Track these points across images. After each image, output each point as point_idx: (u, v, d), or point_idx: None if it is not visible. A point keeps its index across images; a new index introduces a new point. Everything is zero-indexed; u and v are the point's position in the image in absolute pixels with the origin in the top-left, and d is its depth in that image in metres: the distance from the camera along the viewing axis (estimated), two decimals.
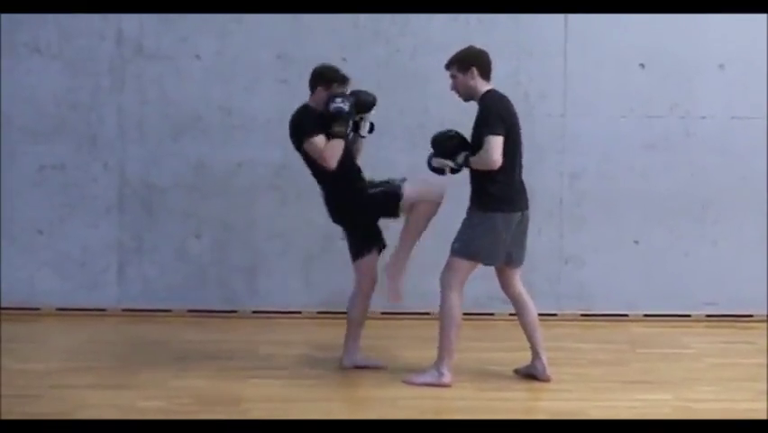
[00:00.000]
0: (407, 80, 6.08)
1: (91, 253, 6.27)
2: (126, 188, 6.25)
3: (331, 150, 4.77)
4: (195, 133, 6.22)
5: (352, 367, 5.04)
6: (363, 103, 4.91)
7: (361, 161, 5.09)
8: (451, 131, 4.87)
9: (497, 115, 4.66)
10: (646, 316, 6.28)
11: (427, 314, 5.77)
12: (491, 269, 4.89)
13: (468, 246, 4.72)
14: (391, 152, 6.14)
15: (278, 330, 5.55)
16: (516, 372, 4.97)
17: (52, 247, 6.26)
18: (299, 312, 6.19)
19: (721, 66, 6.22)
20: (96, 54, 6.19)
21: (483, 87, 4.75)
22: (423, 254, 6.01)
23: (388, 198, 4.89)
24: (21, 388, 4.59)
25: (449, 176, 4.89)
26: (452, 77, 4.79)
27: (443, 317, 4.75)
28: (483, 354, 5.33)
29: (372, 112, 4.99)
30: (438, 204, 4.88)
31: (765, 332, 5.90)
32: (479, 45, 4.90)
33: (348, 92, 4.90)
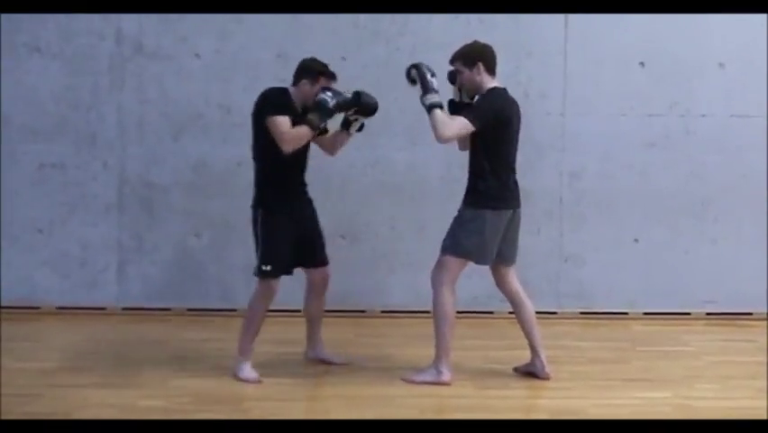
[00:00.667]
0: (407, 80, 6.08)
1: (91, 252, 6.27)
2: (126, 187, 6.26)
3: (295, 134, 4.64)
4: (195, 132, 6.22)
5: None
6: (367, 107, 4.82)
7: (340, 153, 5.04)
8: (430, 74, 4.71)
9: (490, 109, 4.62)
10: (646, 314, 6.29)
11: (425, 312, 5.77)
12: (488, 267, 4.89)
13: (458, 244, 4.71)
14: (390, 151, 6.15)
15: (275, 329, 5.51)
16: (516, 370, 4.97)
17: (52, 246, 6.26)
18: (299, 311, 6.18)
19: (721, 65, 6.23)
20: (96, 53, 6.18)
21: (489, 82, 4.73)
22: (420, 253, 6.03)
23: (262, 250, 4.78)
24: (20, 387, 4.59)
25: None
26: (458, 72, 4.76)
27: (436, 315, 4.75)
28: (483, 352, 5.34)
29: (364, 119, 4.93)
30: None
31: (765, 330, 5.91)
32: None
33: (334, 89, 4.80)
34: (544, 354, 4.86)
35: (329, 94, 4.71)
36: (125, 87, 6.20)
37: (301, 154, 4.81)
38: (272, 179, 4.80)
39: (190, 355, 5.25)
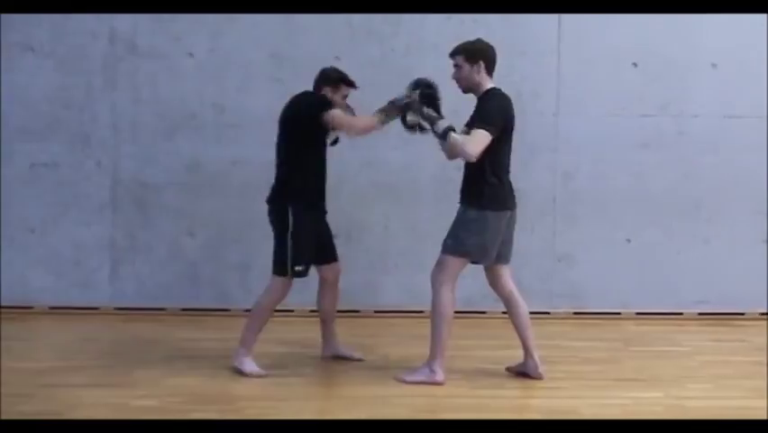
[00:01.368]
0: (401, 79, 6.04)
1: (84, 252, 6.26)
2: (119, 186, 6.25)
3: (363, 123, 4.72)
4: (188, 132, 6.22)
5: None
6: (425, 113, 4.71)
7: (332, 168, 5.00)
8: (434, 89, 4.72)
9: (498, 113, 4.62)
10: (639, 314, 6.31)
11: (419, 312, 5.79)
12: (482, 267, 4.89)
13: (460, 244, 4.71)
14: (384, 151, 6.15)
15: (271, 329, 5.50)
16: (509, 370, 4.97)
17: (45, 245, 6.25)
18: (292, 310, 6.18)
19: (714, 65, 6.25)
20: (89, 53, 6.18)
21: (487, 83, 4.73)
22: (414, 253, 6.04)
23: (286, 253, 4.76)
24: (13, 387, 4.57)
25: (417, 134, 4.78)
26: (457, 66, 4.73)
27: (434, 314, 4.75)
28: (476, 352, 5.34)
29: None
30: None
31: (757, 330, 5.93)
32: None
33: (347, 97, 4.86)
34: (537, 355, 4.87)
35: (405, 94, 4.71)
36: (119, 86, 6.20)
37: (324, 154, 4.87)
38: (304, 177, 4.81)
39: (183, 355, 5.24)
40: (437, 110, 4.70)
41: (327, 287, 5.08)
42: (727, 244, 6.30)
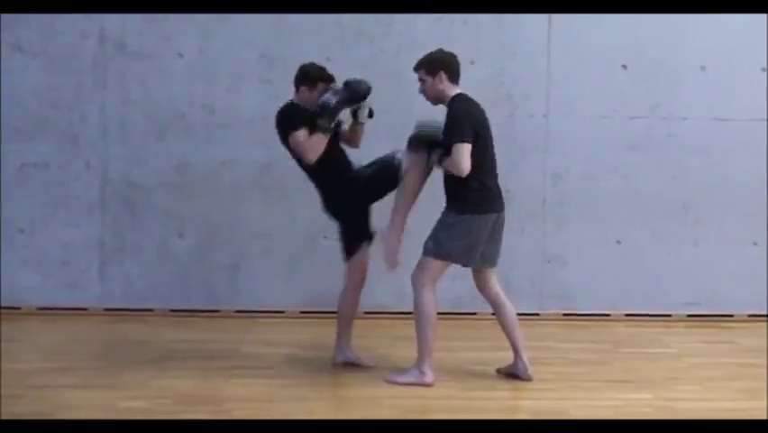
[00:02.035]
0: (391, 80, 6.08)
1: (73, 252, 6.24)
2: (108, 186, 6.23)
3: (311, 144, 4.78)
4: (178, 132, 6.21)
5: (342, 363, 5.05)
6: (356, 92, 4.87)
7: (362, 147, 5.10)
8: (435, 122, 4.81)
9: (464, 120, 4.62)
10: (628, 315, 6.32)
11: (408, 313, 5.78)
12: (469, 269, 4.89)
13: (441, 247, 4.72)
14: (376, 151, 6.11)
15: (261, 330, 5.53)
16: (499, 371, 4.98)
17: (34, 246, 6.23)
18: (282, 312, 6.18)
19: (703, 68, 6.27)
20: (79, 52, 6.16)
21: (451, 90, 4.73)
22: (404, 254, 6.03)
23: (386, 173, 4.87)
24: (2, 388, 4.55)
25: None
26: (420, 80, 4.77)
27: (417, 316, 4.75)
28: (466, 353, 5.35)
29: (368, 99, 4.97)
30: (430, 170, 4.85)
31: (747, 331, 5.96)
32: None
33: (337, 85, 4.88)
34: (526, 356, 4.88)
35: (329, 94, 4.82)
36: (108, 86, 6.18)
37: (338, 152, 4.96)
38: (332, 180, 4.91)
39: (173, 356, 5.23)
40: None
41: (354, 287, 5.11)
42: (716, 246, 6.32)
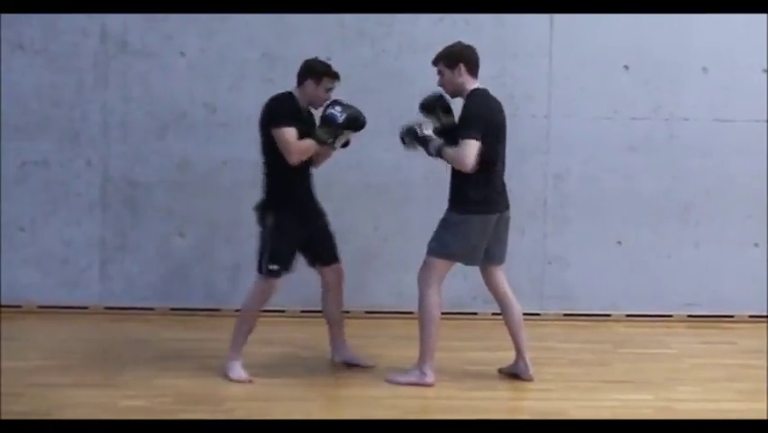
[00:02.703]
0: (392, 80, 6.09)
1: (73, 251, 6.24)
2: (109, 185, 6.23)
3: (300, 146, 4.70)
4: (179, 131, 6.21)
5: (341, 362, 5.07)
6: (355, 122, 4.81)
7: (323, 167, 5.06)
8: (439, 97, 4.75)
9: (477, 117, 4.62)
10: (629, 316, 6.32)
11: (409, 313, 5.78)
12: (474, 268, 4.89)
13: (444, 246, 4.71)
14: (376, 152, 6.14)
15: (260, 329, 5.48)
16: (500, 371, 4.98)
17: (34, 244, 6.23)
18: (283, 311, 6.18)
19: (704, 69, 6.26)
20: (80, 51, 6.16)
21: (471, 84, 4.73)
22: (405, 254, 6.03)
23: (269, 250, 4.79)
24: (2, 386, 4.55)
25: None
26: (439, 73, 4.76)
27: (421, 316, 4.75)
28: (466, 353, 5.35)
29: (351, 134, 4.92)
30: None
31: (748, 332, 5.96)
32: None
33: (343, 102, 4.83)
34: (528, 357, 4.87)
35: (338, 109, 4.74)
36: (109, 84, 6.18)
37: (307, 160, 4.85)
38: (281, 182, 4.81)
39: (173, 355, 5.23)
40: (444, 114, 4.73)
41: (330, 289, 5.06)
42: (717, 247, 6.32)
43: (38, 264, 6.23)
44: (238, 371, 4.81)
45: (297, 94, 4.86)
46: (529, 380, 4.85)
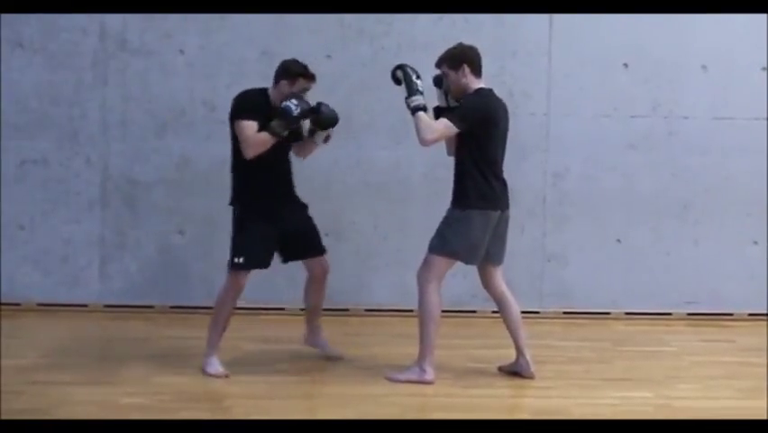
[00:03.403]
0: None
1: (73, 249, 6.24)
2: (109, 183, 6.23)
3: (255, 139, 4.69)
4: (178, 129, 6.20)
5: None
6: (323, 119, 4.81)
7: (308, 160, 5.07)
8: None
9: (470, 109, 4.63)
10: (628, 314, 6.32)
11: (409, 311, 5.79)
12: (473, 267, 4.90)
13: (446, 244, 4.72)
14: (374, 150, 6.15)
15: (261, 327, 5.52)
16: (501, 369, 4.98)
17: (34, 242, 6.22)
18: (283, 308, 6.18)
19: (704, 67, 6.27)
20: (79, 49, 6.15)
21: (475, 84, 4.73)
22: (404, 252, 6.04)
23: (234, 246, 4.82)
24: (2, 384, 4.55)
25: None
26: (444, 75, 4.77)
27: (421, 313, 4.75)
28: (466, 351, 5.35)
29: (330, 130, 4.91)
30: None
31: (747, 330, 5.96)
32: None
33: (306, 96, 4.79)
34: (529, 354, 4.88)
35: (294, 102, 4.70)
36: (109, 83, 6.17)
37: (277, 155, 4.81)
38: (246, 177, 4.82)
39: (172, 353, 5.23)
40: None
41: (314, 281, 5.07)
42: (716, 245, 6.32)
43: (37, 262, 6.23)
44: (215, 366, 4.82)
45: (271, 92, 4.85)
46: (530, 378, 4.85)
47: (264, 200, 4.83)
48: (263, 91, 4.85)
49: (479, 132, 4.63)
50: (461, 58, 4.72)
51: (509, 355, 4.93)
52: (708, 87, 6.27)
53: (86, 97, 6.17)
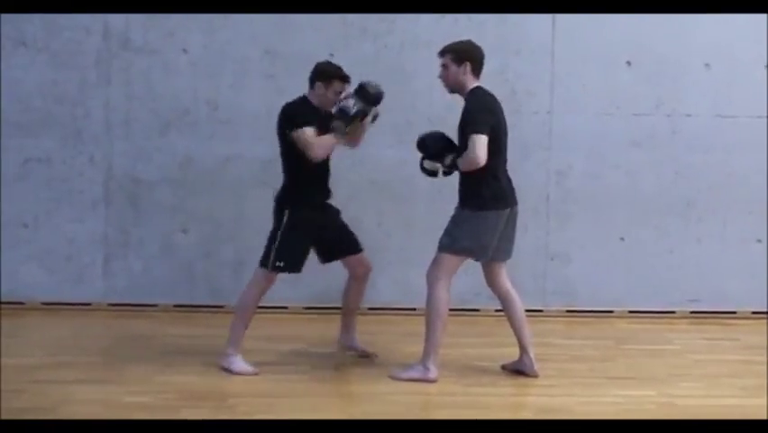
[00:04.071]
0: (394, 77, 6.06)
1: (77, 248, 6.24)
2: (112, 182, 6.23)
3: (321, 141, 4.76)
4: (182, 128, 6.21)
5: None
6: (373, 98, 4.84)
7: (363, 144, 5.11)
8: (435, 133, 4.83)
9: (482, 113, 4.64)
10: (631, 312, 6.32)
11: (413, 309, 5.80)
12: (476, 265, 4.90)
13: (456, 242, 4.72)
14: (378, 149, 6.14)
15: (264, 325, 5.50)
16: (504, 367, 4.98)
17: (38, 241, 6.23)
18: (286, 307, 6.19)
19: (707, 65, 6.26)
20: (83, 48, 6.16)
21: (471, 83, 4.74)
22: (408, 250, 6.04)
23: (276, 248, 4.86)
24: (5, 383, 4.55)
25: (440, 177, 4.88)
26: (444, 66, 4.77)
27: (429, 311, 4.75)
28: (469, 349, 5.35)
29: (377, 108, 4.94)
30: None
31: (750, 328, 5.97)
32: None
33: (350, 90, 4.85)
34: (533, 353, 4.88)
35: (350, 101, 4.78)
36: (112, 82, 6.18)
37: (326, 160, 4.92)
38: (301, 185, 4.88)
39: (176, 351, 5.24)
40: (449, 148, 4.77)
41: (356, 281, 5.11)
42: (720, 243, 6.32)
43: (41, 261, 6.24)
44: (241, 364, 4.83)
45: (309, 96, 4.92)
46: (534, 376, 4.85)
47: (315, 205, 4.93)
48: (304, 98, 4.93)
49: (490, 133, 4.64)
50: (467, 55, 4.73)
51: (513, 354, 4.94)
52: (711, 85, 6.26)
53: (89, 96, 6.18)
